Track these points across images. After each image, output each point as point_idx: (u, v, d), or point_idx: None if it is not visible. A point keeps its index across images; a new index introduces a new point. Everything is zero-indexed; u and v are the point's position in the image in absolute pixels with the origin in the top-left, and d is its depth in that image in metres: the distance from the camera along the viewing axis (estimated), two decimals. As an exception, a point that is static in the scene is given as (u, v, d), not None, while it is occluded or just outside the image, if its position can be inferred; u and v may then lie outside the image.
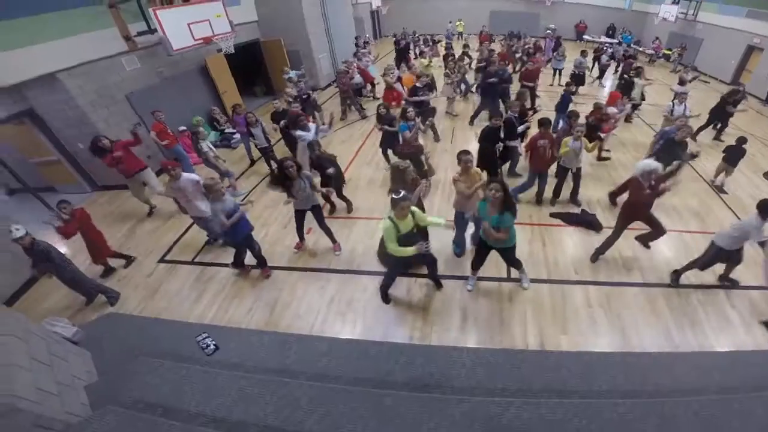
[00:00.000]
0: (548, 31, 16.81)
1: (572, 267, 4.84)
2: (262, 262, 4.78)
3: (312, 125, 6.16)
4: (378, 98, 10.69)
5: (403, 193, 3.27)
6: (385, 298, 4.36)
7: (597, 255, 4.86)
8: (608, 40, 17.80)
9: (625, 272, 4.74)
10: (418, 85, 8.33)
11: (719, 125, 8.60)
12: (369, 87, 11.36)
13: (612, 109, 7.15)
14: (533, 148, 5.42)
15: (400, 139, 6.24)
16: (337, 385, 3.27)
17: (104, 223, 6.24)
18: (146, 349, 3.89)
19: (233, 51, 8.09)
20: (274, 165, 6.84)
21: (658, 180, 4.21)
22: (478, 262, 4.30)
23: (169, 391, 3.31)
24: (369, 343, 3.90)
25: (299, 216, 4.85)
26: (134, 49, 6.99)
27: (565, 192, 6.07)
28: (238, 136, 9.06)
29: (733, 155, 6.31)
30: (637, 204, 4.37)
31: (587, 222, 5.50)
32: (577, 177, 5.77)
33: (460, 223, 4.66)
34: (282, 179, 4.34)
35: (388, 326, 4.12)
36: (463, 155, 4.24)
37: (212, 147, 6.65)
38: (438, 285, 4.48)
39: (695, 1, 15.43)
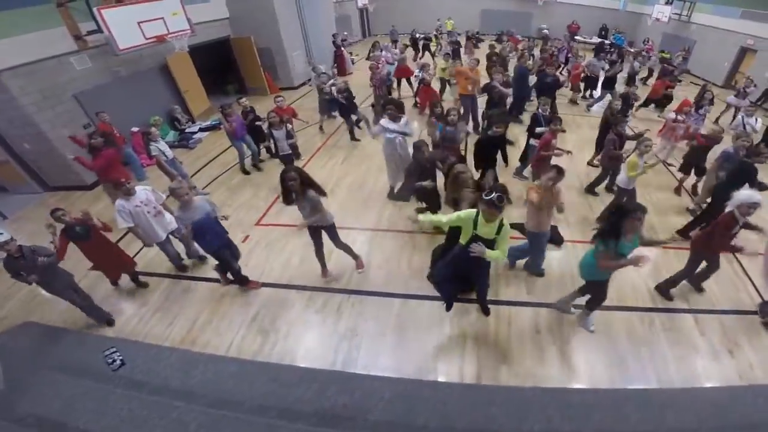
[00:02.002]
0: (544, 32, 16.86)
1: (525, 286, 4.57)
2: (241, 281, 4.57)
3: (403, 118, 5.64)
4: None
5: (498, 195, 2.89)
6: (449, 306, 4.06)
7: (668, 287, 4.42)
8: (601, 41, 17.76)
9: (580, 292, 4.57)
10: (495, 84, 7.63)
11: None
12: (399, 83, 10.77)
13: (671, 115, 7.10)
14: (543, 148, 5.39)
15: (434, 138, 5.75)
16: (232, 413, 3.19)
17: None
18: (55, 361, 3.86)
19: (187, 50, 8.08)
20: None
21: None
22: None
23: (61, 407, 3.29)
24: (281, 366, 3.75)
25: (313, 234, 4.33)
26: (85, 48, 7.02)
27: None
28: (198, 135, 9.13)
29: None
30: (719, 245, 3.86)
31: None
32: (632, 196, 5.25)
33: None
34: (284, 192, 3.82)
35: (310, 348, 3.96)
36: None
37: (166, 149, 6.48)
38: (485, 311, 4.23)
39: (689, 2, 15.40)
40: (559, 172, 3.90)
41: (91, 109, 7.12)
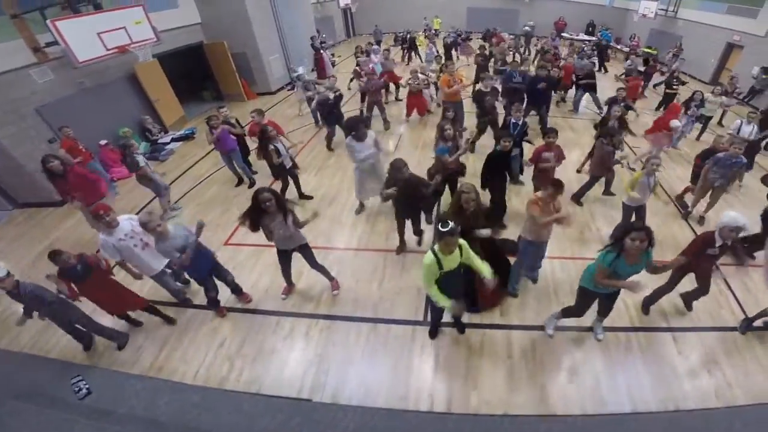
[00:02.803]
0: (525, 29, 16.76)
1: (498, 308, 4.42)
2: (238, 291, 4.54)
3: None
4: (401, 100, 10.23)
5: (451, 224, 2.79)
6: (433, 333, 4.10)
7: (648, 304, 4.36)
8: (587, 37, 17.76)
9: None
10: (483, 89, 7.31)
11: None
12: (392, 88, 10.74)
13: (675, 123, 7.09)
14: (536, 161, 5.14)
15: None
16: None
17: (17, 244, 6.14)
18: (21, 390, 3.79)
19: (152, 59, 7.87)
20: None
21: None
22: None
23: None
24: (245, 396, 3.68)
25: (282, 257, 4.25)
26: (45, 60, 6.80)
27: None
28: (170, 146, 8.94)
29: None
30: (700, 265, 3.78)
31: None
32: (641, 216, 4.98)
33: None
34: (254, 213, 3.70)
35: (277, 375, 3.85)
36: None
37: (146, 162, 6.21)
38: (461, 330, 4.15)
39: (676, -2, 15.40)
40: (557, 187, 3.75)
41: (56, 123, 6.91)
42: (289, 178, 6.16)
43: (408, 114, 9.22)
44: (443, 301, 3.11)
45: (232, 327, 4.39)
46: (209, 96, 11.87)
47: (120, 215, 4.11)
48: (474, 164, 7.21)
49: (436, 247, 3.01)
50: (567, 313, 3.89)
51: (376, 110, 8.79)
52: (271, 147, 5.57)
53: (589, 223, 5.85)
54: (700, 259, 3.66)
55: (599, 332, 4.04)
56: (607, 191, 6.32)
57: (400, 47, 15.42)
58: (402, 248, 5.22)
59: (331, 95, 7.49)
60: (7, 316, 4.67)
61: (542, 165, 5.18)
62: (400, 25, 21.15)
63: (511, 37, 14.76)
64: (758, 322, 4.06)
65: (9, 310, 4.69)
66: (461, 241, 3.06)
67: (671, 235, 5.61)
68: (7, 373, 4.03)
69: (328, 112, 7.63)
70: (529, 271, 4.61)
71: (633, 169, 5.65)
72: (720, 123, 9.79)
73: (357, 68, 9.80)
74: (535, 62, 11.59)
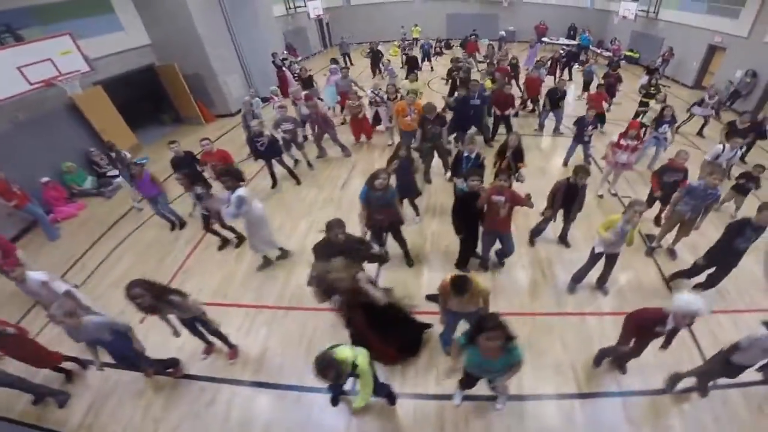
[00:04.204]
0: (502, 33, 16.56)
1: (433, 377, 4.01)
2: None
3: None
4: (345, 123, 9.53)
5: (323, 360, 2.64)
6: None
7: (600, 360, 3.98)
8: (567, 42, 17.53)
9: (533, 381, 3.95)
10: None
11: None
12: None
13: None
14: (488, 203, 4.50)
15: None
16: None
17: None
18: None
19: (80, 91, 7.50)
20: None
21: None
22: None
23: None
24: None
25: (185, 325, 4.04)
26: (-33, 96, 6.43)
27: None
28: (119, 179, 8.54)
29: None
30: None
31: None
32: (610, 264, 4.56)
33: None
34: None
35: None
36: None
37: None
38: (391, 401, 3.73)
39: (656, -2, 15.17)
40: (456, 289, 3.16)
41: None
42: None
43: (356, 139, 8.81)
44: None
45: (157, 389, 4.11)
46: (168, 119, 11.53)
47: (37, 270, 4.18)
48: (434, 196, 6.93)
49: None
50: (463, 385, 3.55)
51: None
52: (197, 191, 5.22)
53: (543, 268, 5.34)
54: (644, 333, 3.29)
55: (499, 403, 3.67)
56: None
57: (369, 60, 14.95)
58: None
59: (265, 133, 6.95)
60: None
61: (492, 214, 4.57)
62: (378, 34, 20.97)
63: (490, 44, 14.47)
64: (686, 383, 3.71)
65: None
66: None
67: (634, 276, 5.16)
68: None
69: (257, 150, 7.04)
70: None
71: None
72: (700, 133, 9.41)
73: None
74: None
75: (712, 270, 4.50)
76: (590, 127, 6.97)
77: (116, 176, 8.62)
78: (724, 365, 3.24)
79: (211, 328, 4.05)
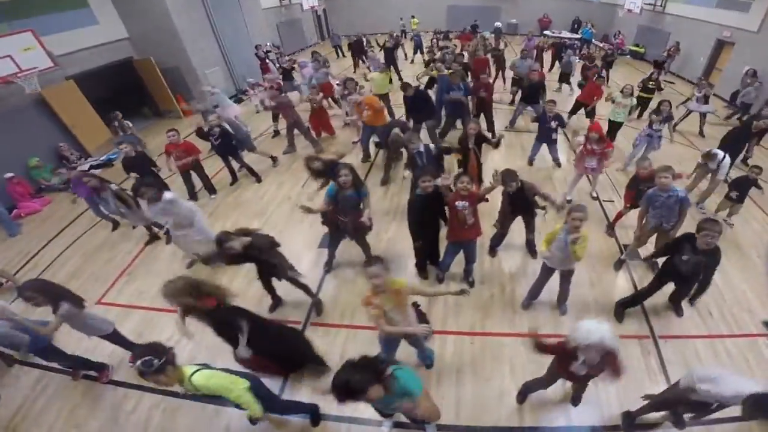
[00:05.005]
0: (497, 25, 16.17)
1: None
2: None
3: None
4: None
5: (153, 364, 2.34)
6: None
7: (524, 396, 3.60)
8: (570, 35, 17.00)
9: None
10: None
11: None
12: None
13: (579, 138, 6.17)
14: (450, 208, 4.13)
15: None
16: None
17: None
18: None
19: (38, 89, 7.37)
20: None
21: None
22: None
23: None
24: None
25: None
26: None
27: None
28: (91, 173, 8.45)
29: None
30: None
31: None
32: (565, 280, 4.14)
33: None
34: None
35: None
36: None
37: None
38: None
39: (663, -11, 14.61)
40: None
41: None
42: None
43: (317, 135, 8.46)
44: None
45: (83, 393, 4.00)
46: (149, 113, 11.43)
47: None
48: (397, 197, 6.64)
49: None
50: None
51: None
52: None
53: (503, 282, 4.94)
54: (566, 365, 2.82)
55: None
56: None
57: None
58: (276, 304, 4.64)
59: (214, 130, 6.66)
60: None
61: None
62: (376, 26, 20.66)
63: (481, 36, 13.97)
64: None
65: None
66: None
67: (603, 293, 4.69)
68: None
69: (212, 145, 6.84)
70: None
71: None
72: (701, 133, 8.95)
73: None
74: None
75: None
76: (553, 124, 6.48)
77: (85, 171, 8.57)
78: (684, 402, 2.84)
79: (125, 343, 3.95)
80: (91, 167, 8.70)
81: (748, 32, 11.08)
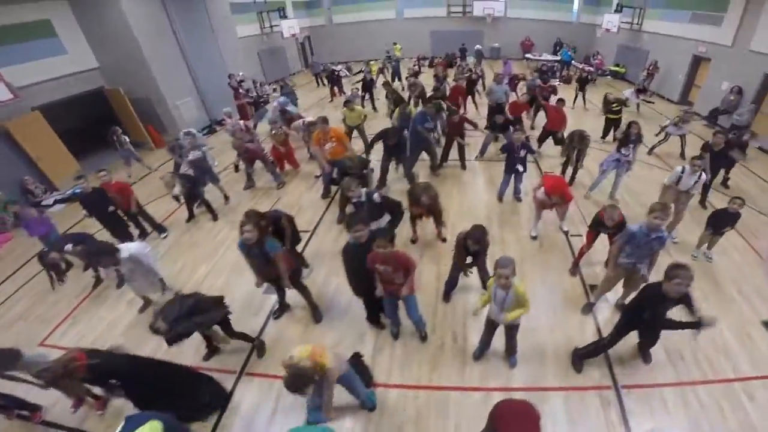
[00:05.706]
0: (478, 47, 16.47)
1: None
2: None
3: None
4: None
5: None
6: None
7: None
8: (550, 57, 17.22)
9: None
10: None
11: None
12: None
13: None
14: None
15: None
16: None
17: None
18: None
19: None
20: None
21: None
22: None
23: None
24: None
25: None
26: None
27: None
28: (54, 209, 8.36)
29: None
30: None
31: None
32: (510, 335, 3.90)
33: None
34: None
35: None
36: None
37: None
38: None
39: (639, 8, 14.80)
40: None
41: None
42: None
43: (281, 169, 8.41)
44: None
45: None
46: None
47: None
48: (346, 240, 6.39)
49: None
50: None
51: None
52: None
53: (456, 329, 4.58)
54: None
55: None
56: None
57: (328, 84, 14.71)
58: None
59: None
60: None
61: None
62: (360, 53, 21.05)
63: (460, 65, 14.10)
64: None
65: None
66: None
67: (565, 340, 4.30)
68: None
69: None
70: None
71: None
72: (682, 155, 8.70)
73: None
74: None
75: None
76: (522, 152, 6.20)
77: (50, 206, 8.48)
78: None
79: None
80: (56, 201, 8.59)
81: (722, 47, 11.08)
